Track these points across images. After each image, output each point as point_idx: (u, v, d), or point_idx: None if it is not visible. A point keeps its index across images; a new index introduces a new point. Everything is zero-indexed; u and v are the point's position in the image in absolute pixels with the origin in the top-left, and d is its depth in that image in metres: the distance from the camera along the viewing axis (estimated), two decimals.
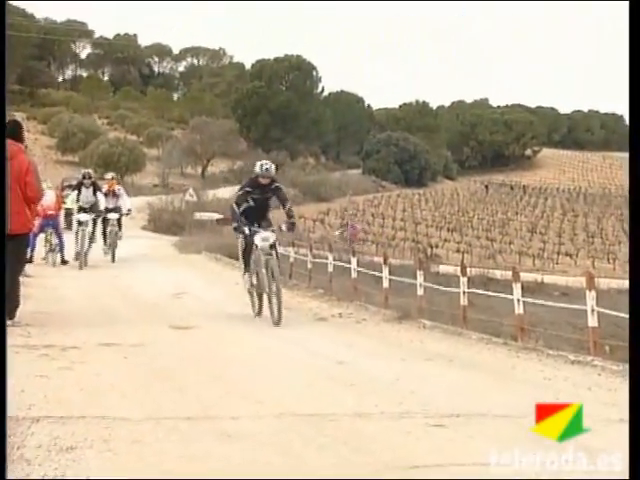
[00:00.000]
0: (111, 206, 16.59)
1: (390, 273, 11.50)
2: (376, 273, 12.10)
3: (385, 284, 11.38)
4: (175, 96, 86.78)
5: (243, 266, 9.53)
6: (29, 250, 13.21)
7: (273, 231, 9.20)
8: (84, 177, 15.95)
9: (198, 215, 32.94)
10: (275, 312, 8.71)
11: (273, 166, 9.29)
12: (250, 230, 9.07)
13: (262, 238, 9.00)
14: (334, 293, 12.10)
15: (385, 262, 11.73)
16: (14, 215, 7.13)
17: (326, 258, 14.14)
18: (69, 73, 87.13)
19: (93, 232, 15.73)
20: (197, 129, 64.38)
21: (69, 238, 15.63)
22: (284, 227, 9.25)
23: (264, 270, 8.97)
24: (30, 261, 12.38)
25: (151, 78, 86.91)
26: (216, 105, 75.92)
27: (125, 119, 72.28)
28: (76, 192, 15.86)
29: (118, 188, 17.22)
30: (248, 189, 9.21)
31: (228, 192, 47.89)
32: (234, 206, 9.16)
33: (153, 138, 65.79)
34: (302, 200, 51.71)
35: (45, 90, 75.81)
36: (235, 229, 9.17)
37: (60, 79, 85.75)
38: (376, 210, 53.81)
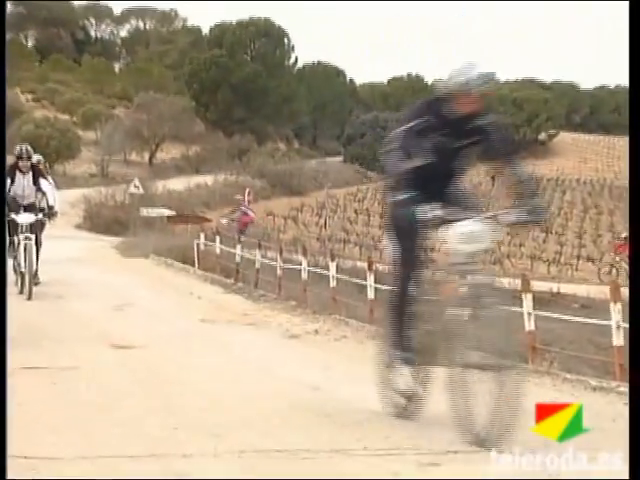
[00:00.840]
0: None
1: (376, 281, 11.52)
2: (359, 281, 12.12)
3: (370, 294, 11.40)
4: (116, 67, 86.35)
5: (391, 323, 5.48)
6: None
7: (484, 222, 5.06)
8: (20, 157, 12.84)
9: (145, 211, 32.81)
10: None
11: (482, 73, 5.08)
12: (433, 213, 4.98)
13: (466, 236, 4.98)
14: (309, 305, 12.13)
15: (370, 268, 11.75)
16: None
17: (299, 263, 14.15)
18: None
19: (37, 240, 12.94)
20: (143, 107, 64.19)
21: None
22: (516, 217, 5.05)
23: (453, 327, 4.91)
24: None
25: (87, 44, 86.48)
26: (166, 78, 75.67)
27: (55, 94, 71.90)
28: (8, 180, 12.69)
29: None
30: (422, 122, 5.13)
31: (181, 183, 47.87)
32: (396, 157, 5.13)
33: (90, 118, 65.52)
34: (270, 193, 51.72)
35: None
36: (402, 205, 5.06)
37: None
38: (360, 205, 53.92)
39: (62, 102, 70.15)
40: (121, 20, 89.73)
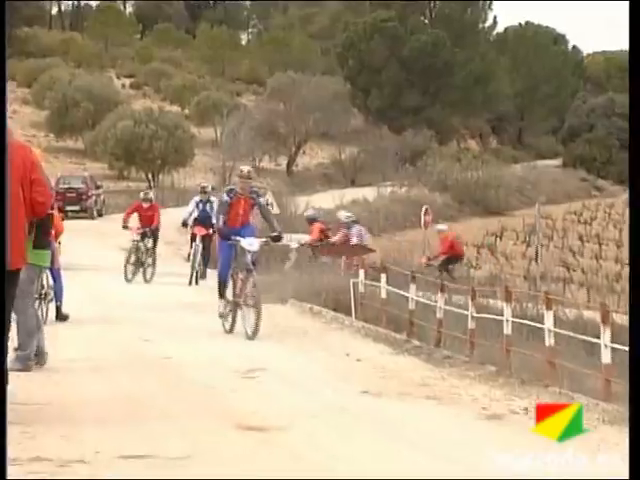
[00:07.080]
0: None
1: (614, 339, 11.32)
2: (588, 338, 11.94)
3: (605, 358, 11.20)
4: (244, 38, 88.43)
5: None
6: None
7: None
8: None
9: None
10: None
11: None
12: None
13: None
14: (514, 372, 12.03)
15: (605, 320, 11.54)
16: (14, 239, 7.40)
17: (500, 312, 14.04)
18: (68, 2, 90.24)
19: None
20: (280, 94, 65.42)
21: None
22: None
23: None
24: None
25: (204, 9, 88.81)
26: (312, 53, 77.01)
27: (161, 78, 74.07)
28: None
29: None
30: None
31: (331, 199, 48.42)
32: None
33: (207, 110, 66.97)
34: (457, 213, 51.74)
35: (29, 29, 78.14)
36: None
37: (54, 11, 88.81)
38: (587, 230, 53.20)
39: (170, 88, 72.04)
40: None
